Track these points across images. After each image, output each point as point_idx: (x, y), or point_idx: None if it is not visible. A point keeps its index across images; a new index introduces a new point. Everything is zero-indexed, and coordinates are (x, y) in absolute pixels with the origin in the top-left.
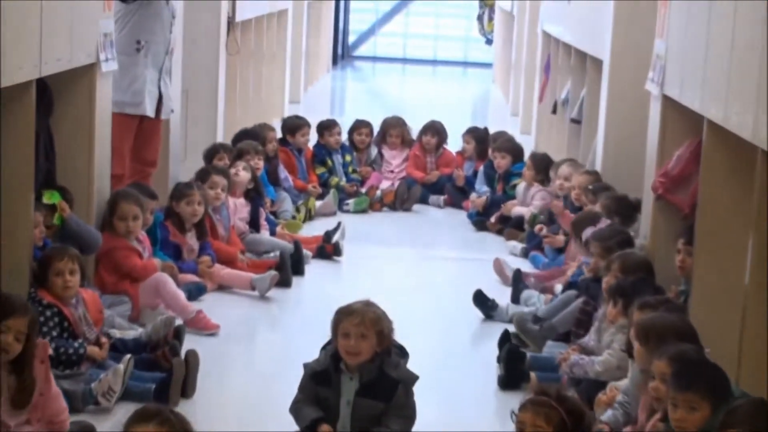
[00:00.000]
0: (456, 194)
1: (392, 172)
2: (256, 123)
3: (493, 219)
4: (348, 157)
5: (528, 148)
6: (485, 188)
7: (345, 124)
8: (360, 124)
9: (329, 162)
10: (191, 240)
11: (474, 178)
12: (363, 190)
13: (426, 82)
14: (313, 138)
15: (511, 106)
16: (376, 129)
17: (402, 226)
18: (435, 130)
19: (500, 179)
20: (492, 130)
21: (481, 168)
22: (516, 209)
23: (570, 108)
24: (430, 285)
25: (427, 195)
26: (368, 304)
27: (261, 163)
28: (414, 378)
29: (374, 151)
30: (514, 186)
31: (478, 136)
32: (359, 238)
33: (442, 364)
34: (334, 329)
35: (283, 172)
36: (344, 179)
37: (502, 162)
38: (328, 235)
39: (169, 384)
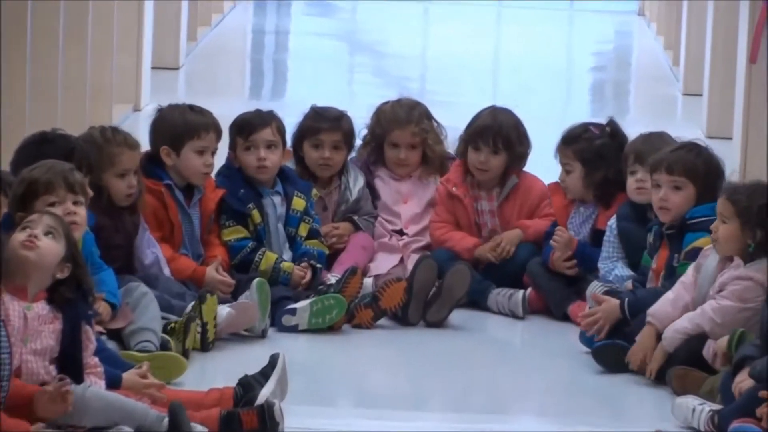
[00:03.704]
0: (552, 285)
1: (401, 233)
2: (87, 123)
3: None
4: (298, 201)
5: (728, 168)
6: (621, 269)
7: (289, 122)
8: (321, 120)
9: (254, 213)
10: None
11: (595, 246)
12: (331, 276)
13: (480, 24)
14: (218, 158)
15: (683, 75)
16: (362, 132)
17: (424, 365)
18: (498, 134)
19: (662, 244)
20: (635, 131)
21: (612, 220)
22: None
23: None
24: None
25: (487, 287)
26: None
27: (82, 213)
28: None
29: (357, 181)
30: (693, 253)
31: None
32: (322, 396)
33: None
34: None
35: (148, 243)
36: (287, 252)
37: (670, 198)
38: (247, 387)
39: None
